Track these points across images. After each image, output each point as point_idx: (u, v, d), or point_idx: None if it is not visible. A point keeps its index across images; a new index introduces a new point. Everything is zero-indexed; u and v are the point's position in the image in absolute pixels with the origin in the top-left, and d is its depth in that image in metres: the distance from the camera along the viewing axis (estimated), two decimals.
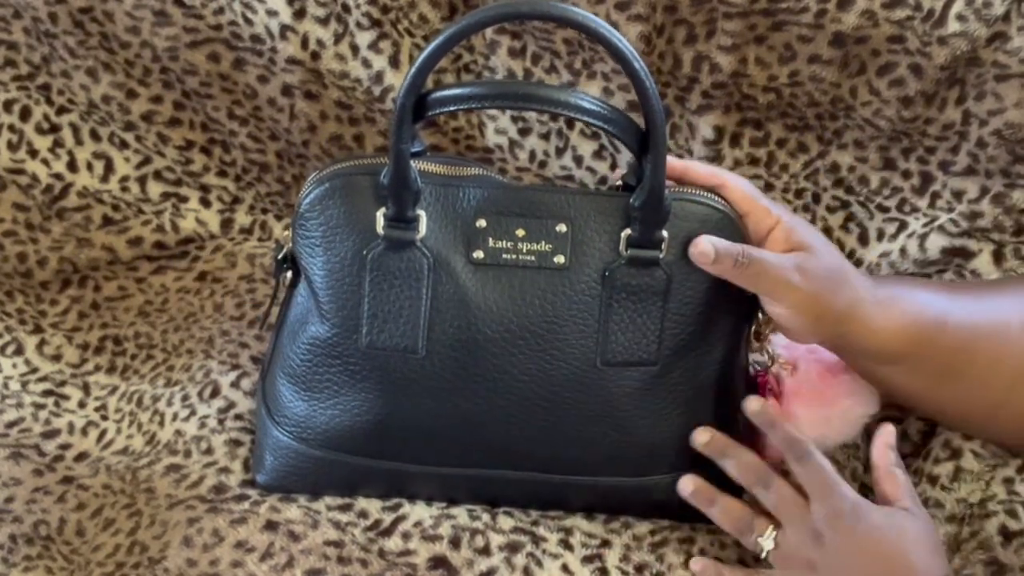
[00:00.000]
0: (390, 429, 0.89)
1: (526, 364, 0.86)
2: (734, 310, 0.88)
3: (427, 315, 0.85)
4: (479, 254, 0.85)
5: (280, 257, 0.89)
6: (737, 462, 0.89)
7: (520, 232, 0.85)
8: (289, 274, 0.89)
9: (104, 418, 1.00)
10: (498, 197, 0.85)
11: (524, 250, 0.85)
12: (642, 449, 0.90)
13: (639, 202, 0.83)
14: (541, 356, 0.86)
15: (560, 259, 0.85)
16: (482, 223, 0.85)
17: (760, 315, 0.89)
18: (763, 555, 0.87)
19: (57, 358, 1.05)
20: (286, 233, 0.89)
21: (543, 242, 0.85)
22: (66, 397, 1.02)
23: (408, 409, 0.88)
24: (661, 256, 0.85)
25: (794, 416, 0.94)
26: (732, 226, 0.86)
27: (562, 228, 0.85)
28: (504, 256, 0.85)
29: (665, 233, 0.84)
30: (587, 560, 0.89)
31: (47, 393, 1.02)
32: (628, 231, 0.85)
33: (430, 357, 0.86)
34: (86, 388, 1.03)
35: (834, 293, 0.85)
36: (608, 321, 0.86)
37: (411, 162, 0.83)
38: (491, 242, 0.85)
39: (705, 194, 0.86)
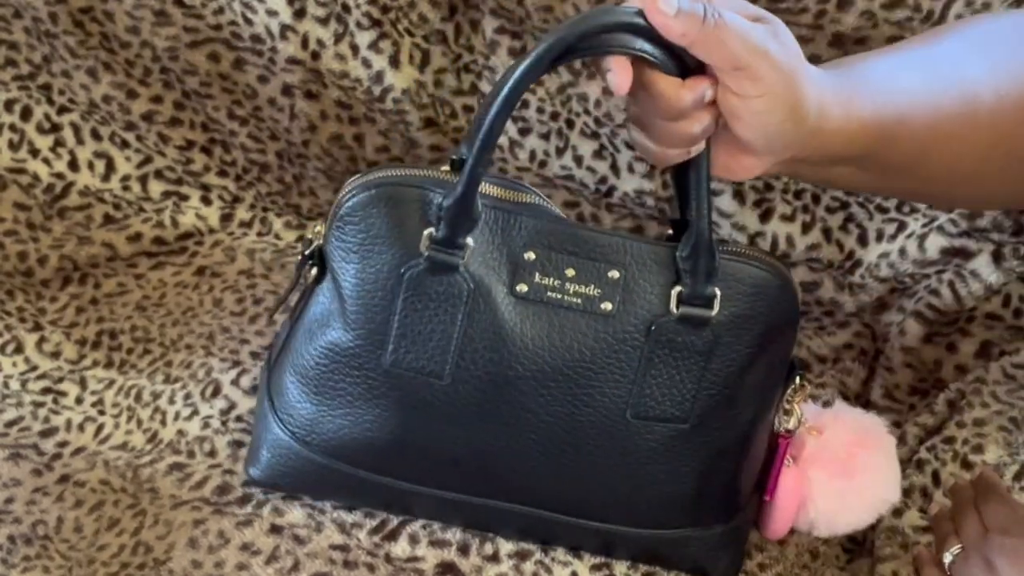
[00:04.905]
0: (399, 448, 0.85)
1: (553, 406, 0.82)
2: (773, 373, 0.85)
3: (459, 342, 0.82)
4: (523, 288, 0.81)
5: (308, 252, 0.85)
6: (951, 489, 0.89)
7: (570, 272, 0.81)
8: (313, 271, 0.85)
9: (101, 412, 1.00)
10: (552, 231, 0.81)
11: (571, 291, 0.81)
12: (655, 501, 0.87)
13: (687, 251, 0.80)
14: (571, 401, 0.82)
15: (607, 306, 0.81)
16: (531, 256, 0.81)
17: (797, 380, 0.87)
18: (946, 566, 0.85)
19: (56, 355, 1.05)
20: (318, 229, 0.85)
21: (592, 286, 0.81)
22: (64, 394, 1.02)
23: (422, 432, 0.84)
24: (713, 314, 0.81)
25: (809, 480, 0.90)
26: (790, 299, 0.83)
27: (614, 274, 0.81)
28: (549, 294, 0.81)
29: (717, 291, 0.81)
30: (596, 568, 0.89)
31: (46, 391, 1.02)
32: (679, 288, 0.81)
33: (454, 385, 0.82)
34: (83, 383, 1.02)
35: (806, 71, 0.73)
36: (646, 375, 0.82)
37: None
38: (538, 277, 0.81)
39: (767, 257, 0.83)
